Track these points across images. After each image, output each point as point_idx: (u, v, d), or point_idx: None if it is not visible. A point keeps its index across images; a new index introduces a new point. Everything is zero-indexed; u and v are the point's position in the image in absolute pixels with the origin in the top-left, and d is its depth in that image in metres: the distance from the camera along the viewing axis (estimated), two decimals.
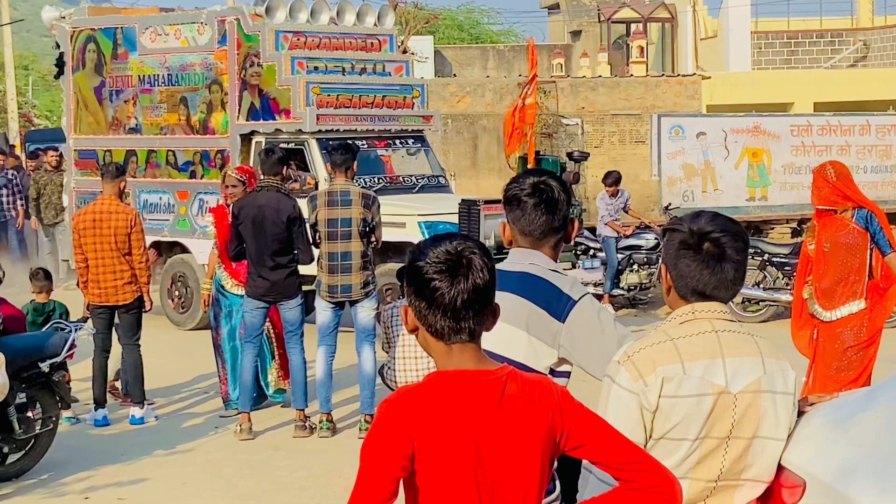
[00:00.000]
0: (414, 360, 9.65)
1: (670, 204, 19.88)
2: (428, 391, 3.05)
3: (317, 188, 13.98)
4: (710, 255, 3.51)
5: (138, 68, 16.65)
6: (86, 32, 17.25)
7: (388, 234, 12.95)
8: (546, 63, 31.13)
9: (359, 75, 15.87)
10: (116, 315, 10.48)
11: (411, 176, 15.99)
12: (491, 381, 3.04)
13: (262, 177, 10.28)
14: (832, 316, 8.64)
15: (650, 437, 3.43)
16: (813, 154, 24.42)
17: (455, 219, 14.28)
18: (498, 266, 4.35)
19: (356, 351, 10.25)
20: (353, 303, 10.14)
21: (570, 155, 17.91)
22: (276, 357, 11.00)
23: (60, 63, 17.61)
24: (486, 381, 3.04)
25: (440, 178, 16.24)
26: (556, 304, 4.10)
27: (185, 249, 16.26)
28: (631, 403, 3.43)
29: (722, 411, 3.43)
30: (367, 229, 10.06)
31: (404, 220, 14.17)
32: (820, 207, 8.76)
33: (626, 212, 17.14)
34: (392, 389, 9.97)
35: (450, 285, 3.01)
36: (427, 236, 13.40)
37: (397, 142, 16.02)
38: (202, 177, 16.14)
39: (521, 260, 4.26)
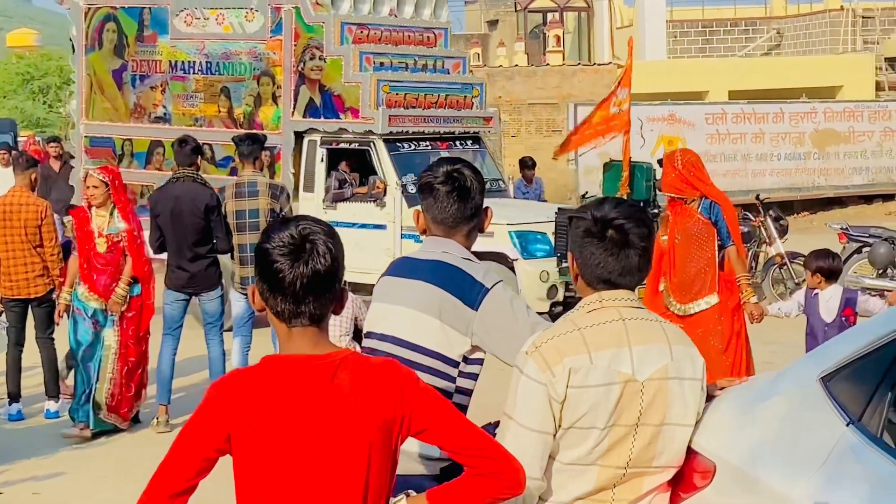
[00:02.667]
0: None
1: (587, 192, 19.97)
2: (257, 374, 3.07)
3: (385, 193, 13.69)
4: (613, 241, 3.52)
5: (169, 53, 15.38)
6: (104, 10, 15.90)
7: (476, 244, 12.68)
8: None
9: (421, 72, 14.86)
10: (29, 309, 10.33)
11: (484, 178, 15.34)
12: (321, 366, 3.05)
13: (177, 168, 10.17)
14: (687, 310, 8.55)
15: (559, 426, 3.44)
16: (728, 142, 24.72)
17: (545, 227, 13.69)
18: (411, 254, 4.41)
19: (272, 342, 10.21)
20: None
21: (660, 161, 17.31)
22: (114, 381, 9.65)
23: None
24: (317, 365, 3.05)
25: (499, 183, 15.48)
26: (469, 292, 4.11)
27: None
28: (539, 394, 3.43)
29: (629, 399, 3.45)
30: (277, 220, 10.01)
31: (492, 230, 13.56)
32: (667, 195, 8.77)
33: (542, 201, 17.15)
34: None
35: (290, 268, 3.01)
36: (518, 246, 13.32)
37: (458, 143, 14.99)
38: None
39: (434, 248, 4.27)
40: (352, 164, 14.35)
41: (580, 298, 3.61)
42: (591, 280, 3.57)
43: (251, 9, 14.67)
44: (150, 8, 15.51)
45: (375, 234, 13.87)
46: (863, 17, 33.57)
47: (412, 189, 13.67)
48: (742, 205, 15.78)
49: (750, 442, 3.46)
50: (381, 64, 14.35)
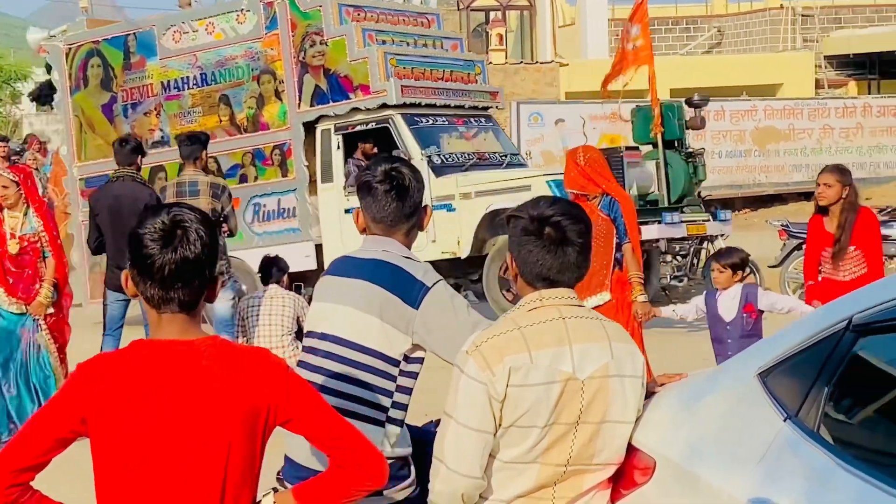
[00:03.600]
0: (281, 350, 9.57)
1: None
2: (122, 358, 3.07)
3: None
4: (551, 239, 3.53)
5: (160, 74, 15.10)
6: (86, 47, 15.58)
7: (515, 200, 12.36)
8: None
9: (419, 48, 14.70)
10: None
11: (495, 153, 14.86)
12: (188, 352, 3.05)
13: (117, 167, 10.08)
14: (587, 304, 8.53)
15: (500, 425, 3.44)
16: None
17: None
18: (351, 253, 4.39)
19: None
20: None
21: (689, 101, 16.74)
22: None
23: (44, 89, 15.89)
24: (183, 351, 3.05)
25: (518, 157, 15.27)
26: (410, 290, 4.10)
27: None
28: (480, 393, 3.43)
29: (570, 398, 3.45)
30: (218, 219, 9.96)
31: (529, 183, 13.30)
32: (569, 191, 8.79)
33: None
34: None
35: (159, 254, 3.02)
36: (557, 194, 13.03)
37: (471, 120, 14.89)
38: (256, 179, 14.58)
39: (374, 247, 4.26)
40: (368, 149, 13.99)
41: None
42: (530, 278, 3.57)
43: (242, 10, 14.48)
44: (134, 34, 15.28)
45: None
46: (802, 16, 33.89)
47: (437, 160, 13.63)
48: None
49: (689, 438, 3.47)
50: (384, 41, 14.16)
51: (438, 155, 13.81)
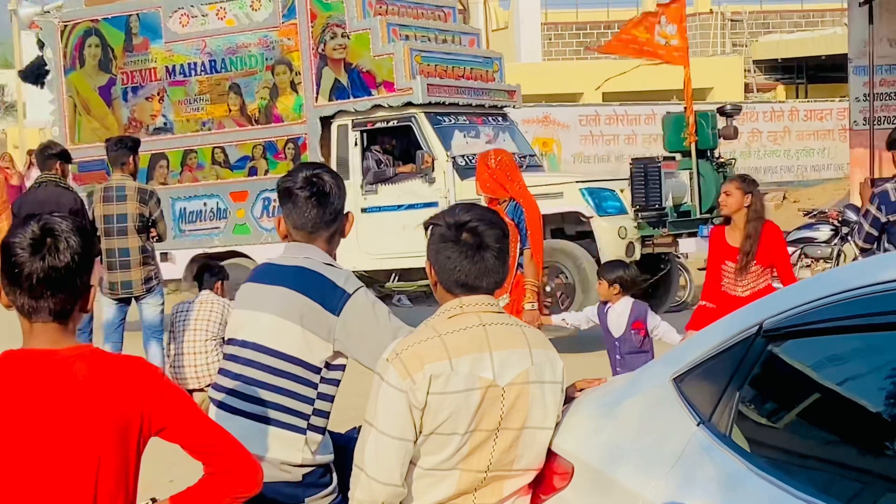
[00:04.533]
0: (204, 355, 9.53)
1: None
2: None
3: (433, 168, 12.98)
4: (468, 244, 3.54)
5: (165, 58, 14.45)
6: (83, 25, 14.88)
7: (545, 206, 12.21)
8: None
9: (440, 44, 14.22)
10: None
11: (514, 154, 14.69)
12: (59, 361, 3.03)
13: (40, 173, 10.00)
14: None
15: (420, 433, 3.45)
16: (601, 143, 25.03)
17: (612, 184, 13.15)
18: (272, 260, 4.39)
19: (143, 348, 10.08)
20: (137, 299, 9.98)
21: (720, 110, 16.32)
22: None
23: (38, 67, 15.30)
24: (54, 360, 3.03)
25: (535, 158, 14.82)
26: (331, 297, 4.11)
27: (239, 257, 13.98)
28: (400, 401, 3.43)
29: (490, 404, 3.47)
30: (146, 224, 9.89)
31: (561, 190, 12.89)
32: (481, 195, 8.77)
33: None
34: (182, 387, 9.84)
35: (27, 263, 3.00)
36: (591, 203, 12.72)
37: (489, 118, 14.42)
38: (266, 172, 13.95)
39: (295, 254, 4.26)
40: (384, 146, 13.66)
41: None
42: (449, 285, 3.58)
43: None
44: (137, 14, 14.63)
45: (426, 213, 13.09)
46: (731, 21, 34.24)
47: (462, 161, 13.22)
48: None
49: (607, 443, 3.50)
50: (406, 37, 13.67)
51: (462, 156, 13.43)
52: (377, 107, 13.31)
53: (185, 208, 14.38)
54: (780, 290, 3.41)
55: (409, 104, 13.16)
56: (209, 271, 10.02)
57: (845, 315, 3.05)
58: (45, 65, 15.30)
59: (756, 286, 8.12)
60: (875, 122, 18.93)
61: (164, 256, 13.90)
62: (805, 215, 17.56)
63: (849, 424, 3.10)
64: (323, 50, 13.52)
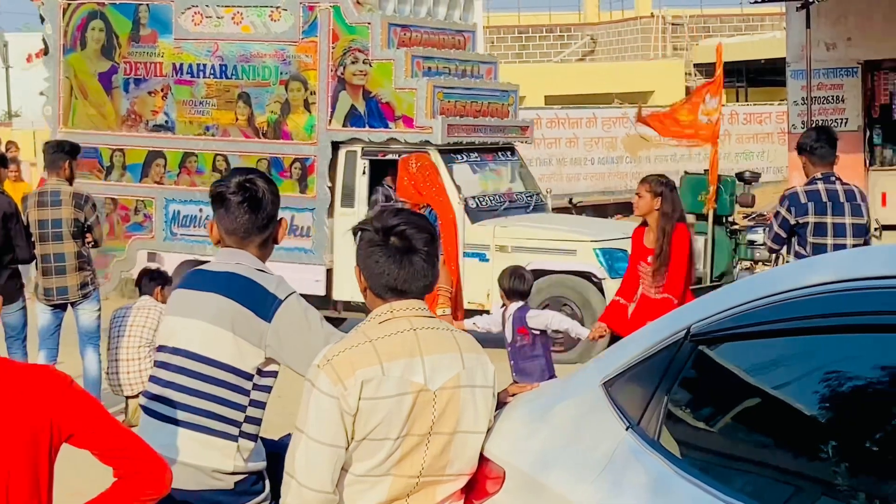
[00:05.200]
0: (138, 362, 9.47)
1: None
2: None
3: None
4: (396, 248, 3.54)
5: (173, 55, 13.88)
6: (88, 6, 14.28)
7: (556, 263, 11.95)
8: None
9: (460, 78, 13.73)
10: None
11: (521, 193, 13.95)
12: None
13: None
14: None
15: (352, 438, 3.43)
16: (543, 147, 25.08)
17: (625, 243, 13.10)
18: (204, 266, 4.36)
19: (80, 354, 9.98)
20: (72, 305, 9.89)
21: (740, 176, 15.89)
22: None
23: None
24: None
25: (540, 196, 14.22)
26: (262, 303, 4.09)
27: None
28: (332, 408, 3.41)
29: (422, 409, 3.47)
30: (82, 230, 9.80)
31: (574, 248, 12.65)
32: (400, 200, 8.72)
33: None
34: (117, 394, 9.77)
35: None
36: (605, 264, 12.48)
37: (499, 154, 14.02)
38: None
39: (227, 260, 4.23)
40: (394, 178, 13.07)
41: None
42: (379, 290, 3.58)
43: (277, 7, 13.40)
44: (147, 5, 14.08)
45: None
46: (672, 24, 34.47)
47: (472, 203, 12.99)
48: (556, 209, 15.99)
49: (538, 448, 3.51)
50: (429, 69, 13.29)
51: (474, 198, 13.12)
52: (392, 140, 12.99)
53: (178, 211, 13.92)
54: (709, 295, 3.43)
55: (426, 142, 12.81)
56: (149, 276, 9.95)
57: (772, 319, 3.08)
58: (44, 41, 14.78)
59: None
60: (812, 125, 19.07)
61: (152, 257, 13.74)
62: (745, 218, 17.63)
63: (776, 428, 3.12)
64: (342, 73, 13.13)
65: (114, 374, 9.63)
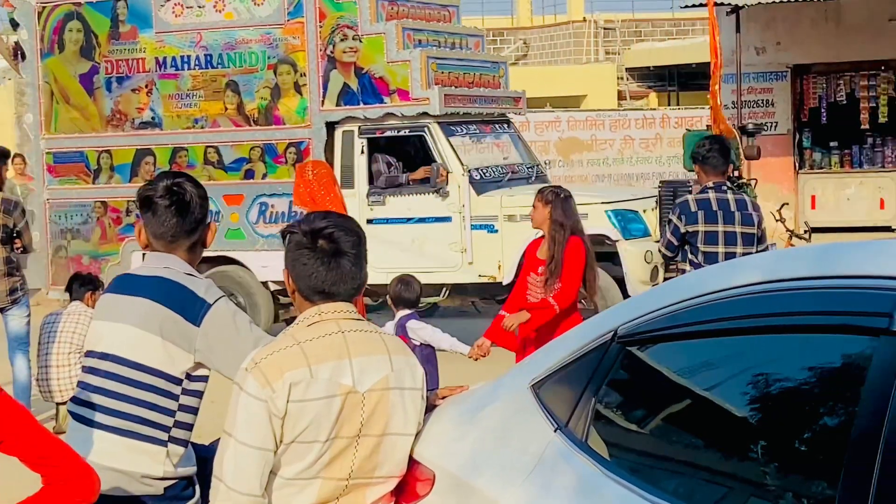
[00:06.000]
0: (68, 368, 9.37)
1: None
2: None
3: (448, 182, 12.42)
4: (324, 251, 3.53)
5: (155, 49, 13.58)
6: (64, 7, 13.97)
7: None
8: None
9: (451, 50, 13.56)
10: None
11: (522, 165, 13.69)
12: None
13: None
14: None
15: (281, 442, 3.43)
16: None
17: (636, 205, 12.73)
18: (131, 271, 4.34)
19: (9, 360, 9.87)
20: (2, 311, 9.77)
21: (743, 129, 15.58)
22: None
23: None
24: None
25: (539, 167, 14.10)
26: (191, 308, 4.07)
27: (230, 262, 13.29)
28: (260, 411, 3.40)
29: (350, 411, 3.46)
30: (10, 235, 9.69)
31: (586, 211, 11.81)
32: (297, 208, 8.62)
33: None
34: (47, 400, 9.67)
35: None
36: (617, 226, 12.23)
37: (496, 126, 13.82)
38: (264, 176, 13.24)
39: (155, 264, 4.21)
40: (392, 156, 13.04)
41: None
42: (307, 293, 3.58)
43: None
44: (125, 0, 13.77)
45: (438, 227, 12.61)
46: (604, 29, 34.64)
47: (477, 175, 12.77)
48: None
49: (468, 450, 3.51)
50: (419, 41, 13.09)
51: (478, 170, 12.92)
52: (388, 115, 12.81)
53: None
54: (635, 297, 3.45)
55: (425, 114, 12.65)
56: (79, 281, 9.86)
57: (699, 320, 3.10)
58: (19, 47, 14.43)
59: None
60: (741, 127, 19.27)
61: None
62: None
63: (705, 428, 3.14)
64: (332, 52, 12.94)
65: (44, 380, 9.54)
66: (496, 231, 12.55)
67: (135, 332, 4.07)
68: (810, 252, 3.17)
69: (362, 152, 12.98)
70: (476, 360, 8.02)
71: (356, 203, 12.72)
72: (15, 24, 14.44)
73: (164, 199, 4.16)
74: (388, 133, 12.86)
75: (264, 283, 13.15)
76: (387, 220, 12.79)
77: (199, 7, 13.47)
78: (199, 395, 4.16)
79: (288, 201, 12.53)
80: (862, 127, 20.15)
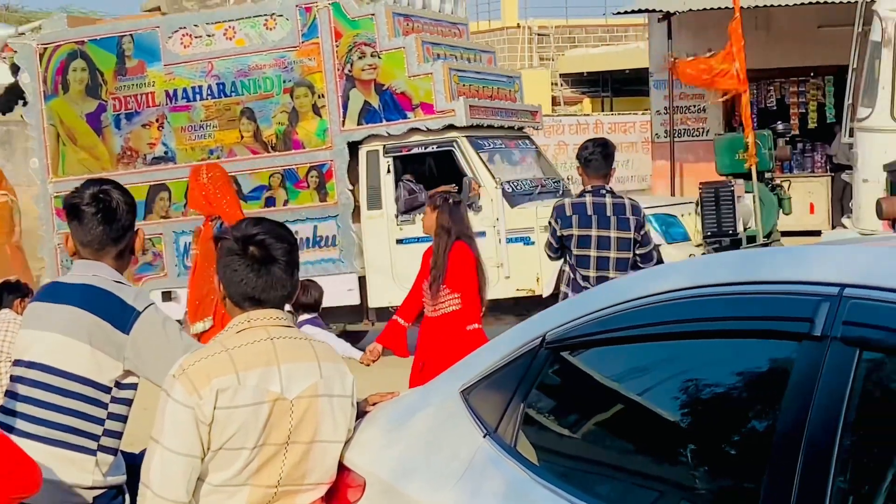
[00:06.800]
0: None
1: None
2: None
3: (480, 196, 12.13)
4: (254, 258, 3.54)
5: (164, 82, 13.33)
6: (67, 48, 13.67)
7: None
8: None
9: (469, 63, 13.45)
10: None
11: (548, 179, 13.50)
12: None
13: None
14: (196, 328, 8.05)
15: (209, 448, 3.42)
16: None
17: (675, 209, 12.62)
18: (59, 279, 4.31)
19: None
20: None
21: (773, 129, 15.31)
22: None
23: (12, 92, 13.90)
24: None
25: (560, 183, 13.78)
26: (120, 315, 4.05)
27: None
28: (187, 418, 3.40)
29: (279, 418, 3.46)
30: None
31: None
32: (191, 210, 8.53)
33: None
34: None
35: None
36: (660, 230, 12.03)
37: (519, 141, 13.64)
38: (286, 203, 12.95)
39: (83, 272, 4.18)
40: (416, 174, 12.81)
41: None
42: (237, 299, 3.58)
43: (271, 15, 12.95)
44: (130, 35, 13.49)
45: None
46: (538, 35, 34.79)
47: (509, 188, 12.54)
48: None
49: (398, 457, 3.51)
50: (438, 55, 12.87)
51: (509, 182, 12.64)
52: (414, 130, 12.53)
53: (189, 243, 12.77)
54: (563, 302, 3.47)
55: (451, 127, 12.39)
56: (8, 289, 9.74)
57: (625, 325, 3.12)
58: (17, 92, 14.07)
59: (445, 308, 7.96)
60: (675, 135, 19.46)
61: (167, 296, 13.15)
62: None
63: (633, 433, 3.17)
64: (350, 70, 12.69)
65: None
66: (533, 243, 12.25)
67: (63, 341, 4.04)
68: (733, 258, 3.21)
69: (388, 171, 12.70)
70: (368, 365, 7.94)
71: (384, 223, 12.63)
72: (16, 69, 14.07)
73: (90, 206, 4.14)
74: (415, 150, 12.57)
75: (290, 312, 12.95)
76: (417, 240, 12.23)
77: (209, 36, 13.22)
78: (128, 403, 4.14)
79: (313, 226, 12.52)
80: (792, 133, 20.34)
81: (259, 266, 3.54)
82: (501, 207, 12.29)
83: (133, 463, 4.20)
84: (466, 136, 12.43)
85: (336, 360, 3.66)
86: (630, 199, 8.11)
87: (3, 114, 14.67)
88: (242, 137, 13.15)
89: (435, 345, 7.90)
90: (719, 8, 18.61)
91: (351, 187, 12.82)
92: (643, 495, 3.07)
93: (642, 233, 7.92)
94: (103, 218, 4.13)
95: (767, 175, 14.35)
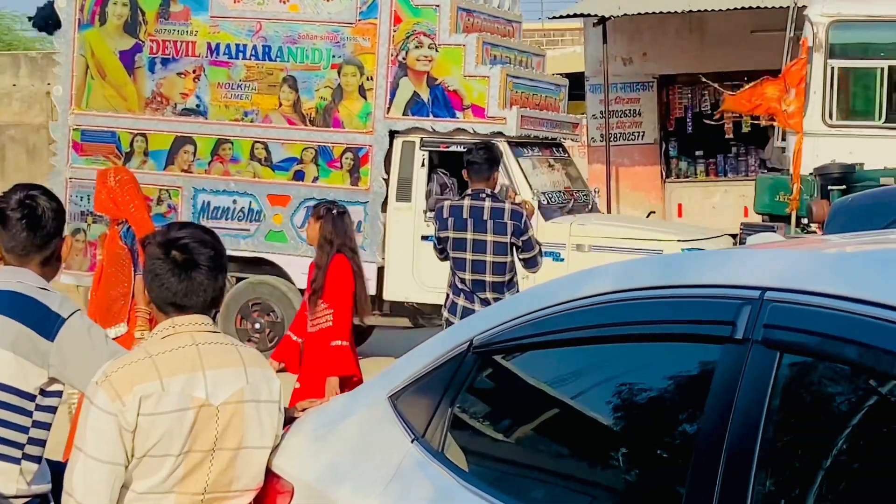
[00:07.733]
0: None
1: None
2: None
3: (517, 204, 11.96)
4: (176, 262, 3.51)
5: (208, 34, 12.83)
6: None
7: None
8: None
9: (524, 69, 13.13)
10: None
11: (580, 192, 13.18)
12: None
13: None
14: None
15: (132, 456, 3.39)
16: None
17: (708, 244, 12.15)
18: None
19: None
20: None
21: (813, 173, 14.46)
22: None
23: (46, 14, 13.31)
24: None
25: (588, 196, 13.41)
26: (45, 322, 3.99)
27: (269, 268, 12.69)
28: (110, 425, 3.37)
29: (204, 424, 3.44)
30: None
31: (661, 247, 11.69)
32: (97, 213, 8.45)
33: None
34: None
35: None
36: None
37: (554, 150, 13.30)
38: (315, 179, 12.56)
39: (8, 278, 4.12)
40: (450, 171, 12.35)
41: None
42: (160, 304, 3.56)
43: None
44: None
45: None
46: None
47: (544, 201, 12.25)
48: None
49: (326, 462, 3.50)
50: (495, 57, 12.58)
51: (544, 194, 12.39)
52: (458, 130, 12.19)
53: (209, 202, 12.87)
54: (491, 306, 3.48)
55: (499, 134, 12.03)
56: None
57: (549, 330, 3.13)
58: (54, 13, 13.50)
59: (322, 323, 7.70)
60: (611, 139, 19.53)
61: None
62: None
63: (561, 437, 3.17)
64: (404, 58, 12.32)
65: None
66: (562, 260, 12.01)
67: None
68: (657, 261, 3.23)
69: (423, 165, 12.46)
70: None
71: (411, 217, 12.40)
72: None
73: (15, 212, 4.09)
74: (453, 148, 12.15)
75: (303, 291, 12.87)
76: None
77: None
78: (53, 410, 4.08)
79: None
80: (726, 136, 20.50)
81: (180, 271, 3.51)
82: (535, 220, 11.90)
83: (58, 471, 4.15)
84: (508, 142, 12.10)
85: (263, 364, 3.64)
86: (513, 204, 8.14)
87: (45, 32, 14.00)
88: (281, 105, 12.78)
89: (307, 362, 7.75)
90: (653, 12, 18.73)
91: (385, 176, 12.57)
92: (572, 499, 3.07)
93: (523, 238, 7.94)
94: (28, 224, 4.08)
95: (804, 220, 14.40)
